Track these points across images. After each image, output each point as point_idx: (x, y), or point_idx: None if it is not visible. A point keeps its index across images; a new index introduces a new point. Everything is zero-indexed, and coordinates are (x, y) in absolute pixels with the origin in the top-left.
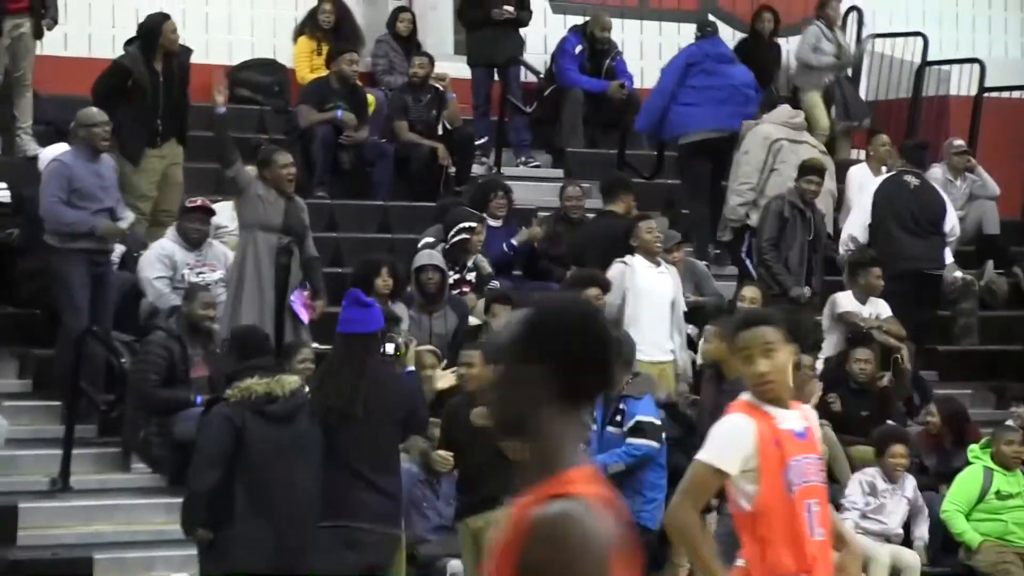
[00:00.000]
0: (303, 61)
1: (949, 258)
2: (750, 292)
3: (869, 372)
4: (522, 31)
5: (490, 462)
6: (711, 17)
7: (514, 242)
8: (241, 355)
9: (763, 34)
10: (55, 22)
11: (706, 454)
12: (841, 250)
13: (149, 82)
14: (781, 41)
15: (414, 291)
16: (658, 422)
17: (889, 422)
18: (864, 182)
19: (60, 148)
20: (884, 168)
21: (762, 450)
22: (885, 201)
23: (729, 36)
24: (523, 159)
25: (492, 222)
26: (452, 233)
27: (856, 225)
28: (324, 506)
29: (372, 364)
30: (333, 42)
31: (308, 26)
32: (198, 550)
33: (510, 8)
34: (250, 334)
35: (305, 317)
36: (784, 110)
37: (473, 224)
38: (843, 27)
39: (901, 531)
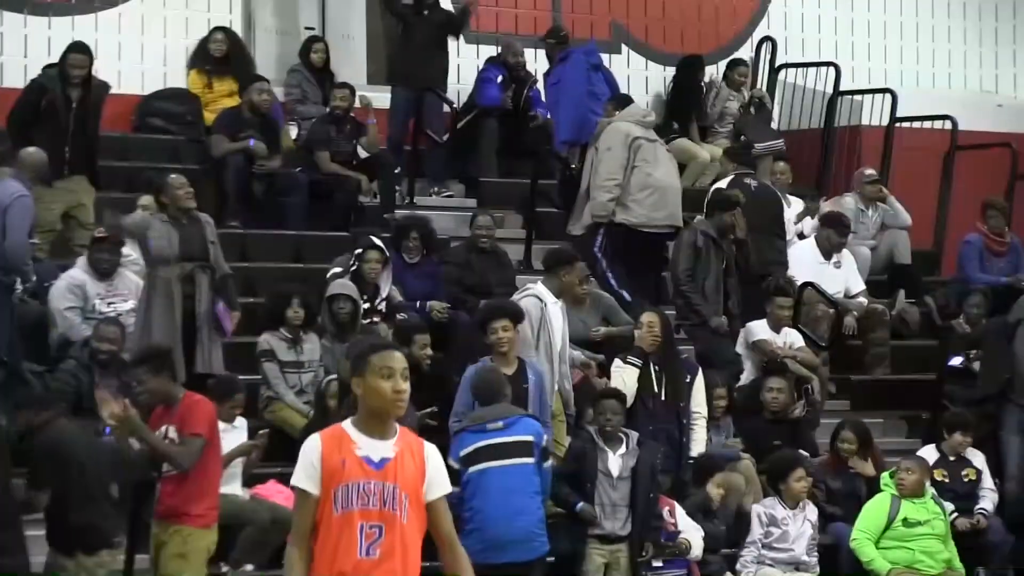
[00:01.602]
0: (198, 92)
1: (860, 286)
2: (648, 317)
3: (782, 401)
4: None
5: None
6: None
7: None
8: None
9: (694, 81)
10: None
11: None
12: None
13: (62, 106)
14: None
15: (326, 321)
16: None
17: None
18: None
19: None
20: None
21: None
22: None
23: (642, 67)
24: (436, 189)
25: (410, 260)
26: (351, 261)
27: None
28: None
29: None
30: (225, 74)
31: (199, 58)
32: None
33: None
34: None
35: (228, 326)
36: (638, 108)
37: (360, 250)
38: (749, 76)
39: (809, 558)
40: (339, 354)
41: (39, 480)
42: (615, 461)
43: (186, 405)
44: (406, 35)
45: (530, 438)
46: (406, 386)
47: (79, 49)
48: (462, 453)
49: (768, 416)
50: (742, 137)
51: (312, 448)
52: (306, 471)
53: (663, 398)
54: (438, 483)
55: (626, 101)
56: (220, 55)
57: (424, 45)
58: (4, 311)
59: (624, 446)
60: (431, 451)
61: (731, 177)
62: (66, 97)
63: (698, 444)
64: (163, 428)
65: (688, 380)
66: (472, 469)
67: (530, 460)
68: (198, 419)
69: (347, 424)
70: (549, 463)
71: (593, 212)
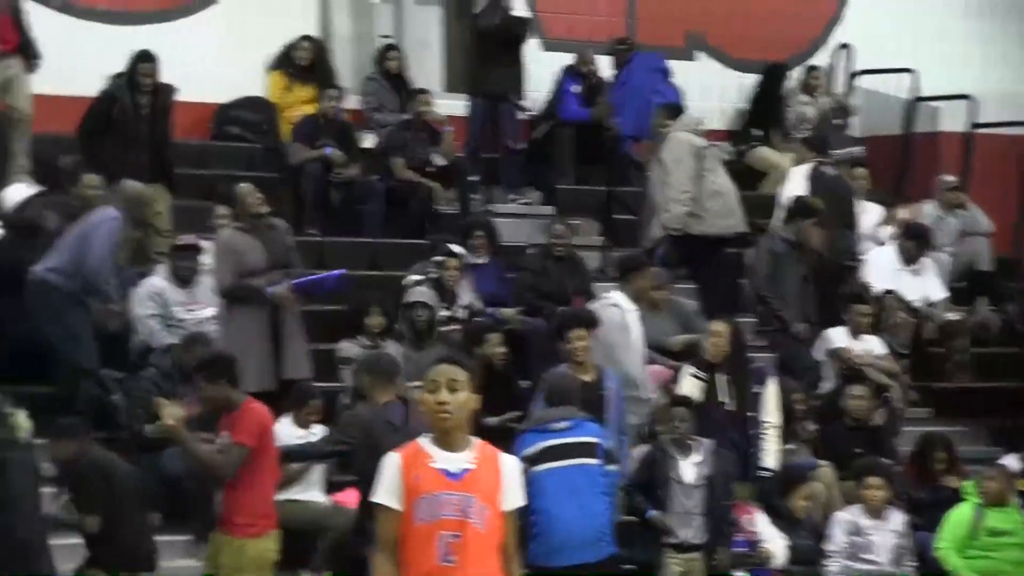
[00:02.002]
0: (275, 96)
1: (941, 293)
2: (715, 327)
3: (865, 408)
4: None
5: None
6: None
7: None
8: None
9: (776, 88)
10: (38, 60)
11: None
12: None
13: (132, 114)
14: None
15: (404, 328)
16: None
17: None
18: None
19: (22, 188)
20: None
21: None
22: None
23: (717, 74)
24: (513, 196)
25: (476, 260)
26: (430, 269)
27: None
28: None
29: None
30: (307, 81)
31: (283, 63)
32: None
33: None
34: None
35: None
36: (691, 118)
37: (440, 258)
38: (826, 82)
39: (897, 569)
40: (418, 362)
41: (90, 504)
42: (688, 468)
43: (238, 413)
44: (477, 43)
45: (595, 439)
46: (449, 397)
47: (147, 58)
48: (525, 453)
49: (849, 423)
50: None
51: (392, 464)
52: (387, 486)
53: (729, 408)
54: (514, 494)
55: (678, 110)
56: (305, 63)
57: (495, 53)
58: (85, 323)
59: (697, 453)
60: (508, 462)
61: (811, 166)
62: (136, 105)
63: (769, 456)
64: (222, 435)
65: (757, 390)
66: (536, 469)
67: (595, 461)
68: (243, 427)
69: (423, 439)
70: (616, 467)
71: (668, 225)
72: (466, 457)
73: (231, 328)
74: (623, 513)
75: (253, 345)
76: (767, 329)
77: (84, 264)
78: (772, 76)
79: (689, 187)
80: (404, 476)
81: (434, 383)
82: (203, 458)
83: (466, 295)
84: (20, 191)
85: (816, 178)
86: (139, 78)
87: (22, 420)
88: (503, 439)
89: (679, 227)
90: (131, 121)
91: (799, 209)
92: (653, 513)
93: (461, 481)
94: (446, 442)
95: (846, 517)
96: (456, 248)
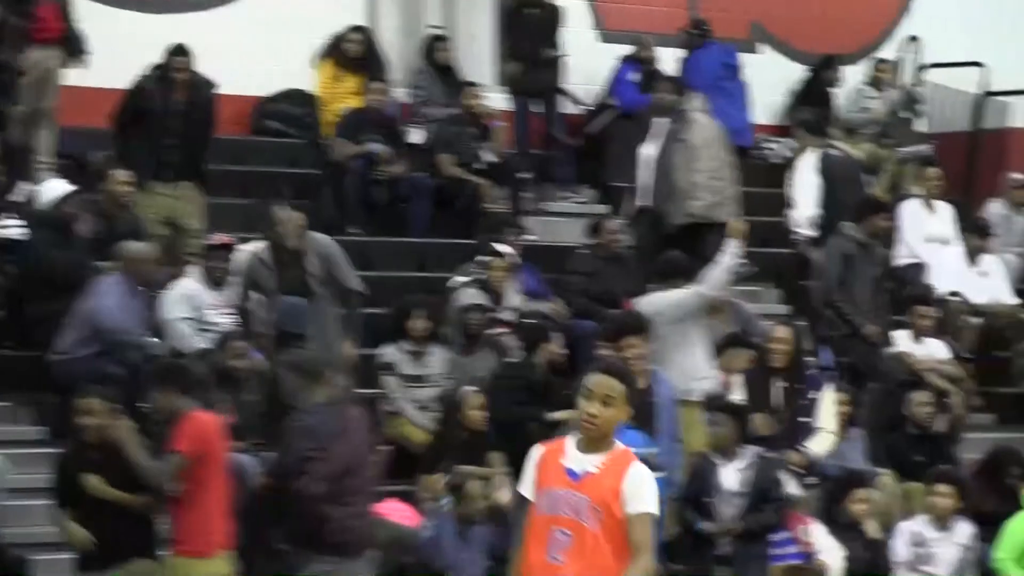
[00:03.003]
0: (324, 87)
1: (1010, 296)
2: (780, 332)
3: (927, 416)
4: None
5: None
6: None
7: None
8: None
9: (826, 83)
10: (84, 53)
11: None
12: (801, 234)
13: (163, 108)
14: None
15: (453, 332)
16: None
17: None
18: (919, 218)
19: (58, 184)
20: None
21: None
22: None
23: (783, 66)
24: (566, 194)
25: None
26: (476, 269)
27: (812, 204)
28: None
29: None
30: (357, 72)
31: (333, 52)
32: None
33: (555, 52)
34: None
35: None
36: (700, 99)
37: (486, 259)
38: (894, 75)
39: None
40: (468, 368)
41: None
42: (732, 476)
43: (181, 422)
44: (511, 37)
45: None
46: (600, 410)
47: (180, 52)
48: None
49: (911, 430)
50: (885, 141)
51: (533, 455)
52: (525, 477)
53: (782, 414)
54: (636, 499)
55: (682, 87)
56: (355, 55)
57: (530, 47)
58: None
59: (742, 460)
60: (635, 470)
61: (818, 152)
62: (168, 100)
63: (815, 448)
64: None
65: (812, 397)
66: None
67: None
68: (181, 435)
69: (569, 437)
70: (662, 475)
71: (695, 213)
72: (594, 460)
73: None
74: (676, 525)
75: None
76: (836, 334)
77: (98, 329)
78: (816, 70)
79: (718, 173)
80: (539, 468)
81: (590, 393)
82: (140, 465)
83: (513, 297)
84: (55, 188)
85: (825, 164)
86: (172, 73)
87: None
88: None
89: (708, 216)
90: (162, 116)
91: (871, 205)
92: (702, 525)
93: (580, 482)
94: (586, 445)
95: (910, 527)
96: (502, 247)
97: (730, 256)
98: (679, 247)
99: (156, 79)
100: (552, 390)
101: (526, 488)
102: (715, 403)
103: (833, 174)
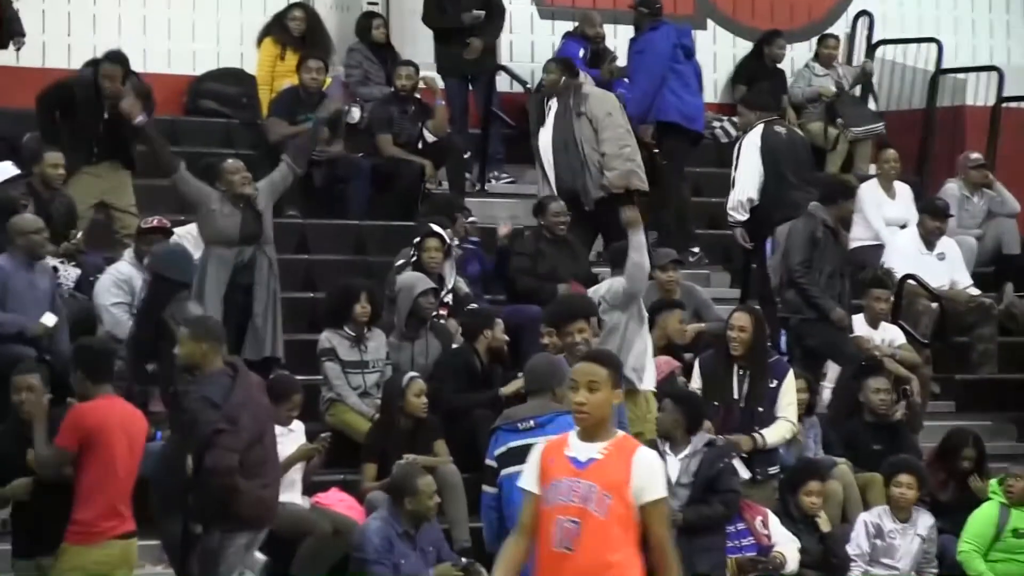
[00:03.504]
0: (265, 66)
1: (967, 280)
2: (739, 319)
3: (884, 404)
4: (505, 38)
5: None
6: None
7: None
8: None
9: (769, 59)
10: (22, 37)
11: None
12: (733, 217)
13: (93, 101)
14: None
15: (398, 317)
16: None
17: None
18: (878, 201)
19: (4, 167)
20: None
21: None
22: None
23: (729, 43)
24: (495, 174)
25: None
26: (412, 252)
27: (751, 187)
28: None
29: None
30: (300, 50)
31: (275, 30)
32: None
33: (479, 12)
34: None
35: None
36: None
37: (418, 239)
38: (845, 54)
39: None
40: (411, 353)
41: None
42: (675, 465)
43: (68, 413)
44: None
45: None
46: (587, 397)
47: (113, 59)
48: (496, 453)
49: (868, 419)
50: (838, 120)
51: (537, 449)
52: (530, 471)
53: (742, 404)
54: (648, 488)
55: (573, 67)
56: (299, 34)
57: (460, 29)
58: None
59: (687, 448)
60: (642, 456)
61: (760, 127)
62: (99, 104)
63: (770, 436)
64: None
65: (774, 384)
66: (504, 472)
67: None
68: (63, 428)
69: (573, 431)
70: None
71: (615, 183)
72: (597, 448)
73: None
74: None
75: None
76: (796, 317)
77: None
78: (756, 46)
79: (628, 140)
80: (543, 461)
81: (574, 383)
82: (36, 450)
83: (451, 278)
84: (2, 170)
85: (769, 140)
86: (100, 80)
87: None
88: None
89: (625, 184)
90: (91, 105)
91: (841, 189)
92: None
93: (586, 470)
94: (587, 435)
95: (870, 519)
96: (437, 228)
97: (637, 248)
98: (600, 223)
99: (88, 84)
100: (495, 377)
101: (529, 483)
102: (664, 390)
103: (776, 152)
